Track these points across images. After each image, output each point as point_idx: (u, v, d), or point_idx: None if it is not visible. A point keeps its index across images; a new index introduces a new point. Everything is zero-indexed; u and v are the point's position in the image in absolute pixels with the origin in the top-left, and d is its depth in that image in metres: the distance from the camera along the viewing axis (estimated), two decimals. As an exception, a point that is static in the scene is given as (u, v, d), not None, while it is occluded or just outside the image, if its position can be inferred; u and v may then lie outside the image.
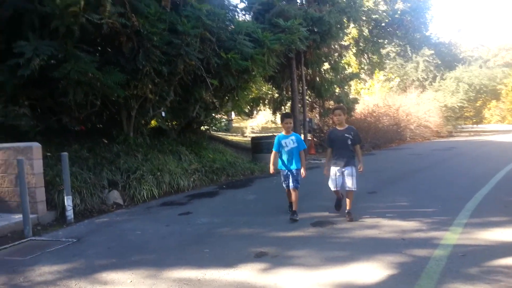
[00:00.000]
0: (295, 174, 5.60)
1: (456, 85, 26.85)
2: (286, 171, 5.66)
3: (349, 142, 5.39)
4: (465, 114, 29.03)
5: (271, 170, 5.75)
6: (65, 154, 6.12)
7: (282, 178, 5.77)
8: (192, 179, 8.61)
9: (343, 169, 5.40)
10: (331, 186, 5.56)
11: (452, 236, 4.47)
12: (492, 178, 8.12)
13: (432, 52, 28.58)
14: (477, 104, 29.31)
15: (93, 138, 9.01)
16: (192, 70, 8.91)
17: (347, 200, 5.46)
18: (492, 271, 3.46)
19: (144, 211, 6.60)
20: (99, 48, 8.65)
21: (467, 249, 4.02)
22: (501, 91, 30.21)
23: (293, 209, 5.58)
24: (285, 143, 5.61)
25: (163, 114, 9.71)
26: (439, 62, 28.81)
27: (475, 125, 31.64)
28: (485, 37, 69.73)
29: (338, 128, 5.55)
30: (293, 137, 5.63)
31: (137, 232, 5.28)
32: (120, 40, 7.72)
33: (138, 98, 8.72)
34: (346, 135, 5.41)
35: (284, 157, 5.65)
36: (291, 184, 5.61)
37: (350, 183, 5.39)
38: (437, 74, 28.28)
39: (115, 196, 7.06)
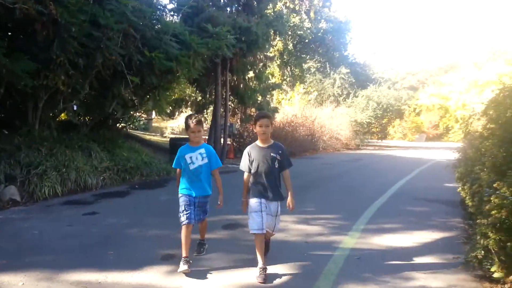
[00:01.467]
0: (202, 203, 3.97)
1: (366, 103, 29.08)
2: (189, 197, 3.92)
3: (277, 166, 3.81)
4: (372, 129, 31.55)
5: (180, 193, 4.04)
6: (-47, 143, 5.47)
7: (181, 206, 3.91)
8: (102, 178, 8.20)
9: (269, 204, 3.82)
10: (255, 226, 3.72)
11: (350, 241, 4.83)
12: (391, 188, 8.93)
13: (348, 71, 30.71)
14: (383, 121, 31.99)
15: (-9, 128, 8.16)
16: (112, 65, 8.53)
17: (262, 248, 3.77)
18: (382, 273, 3.81)
19: (44, 210, 6.12)
20: (10, 33, 7.90)
21: (362, 253, 4.37)
22: (404, 111, 33.37)
23: (201, 237, 4.30)
24: (190, 158, 3.95)
25: (75, 107, 9.13)
26: (353, 81, 30.99)
27: (380, 140, 34.48)
28: (395, 61, 76.83)
29: (261, 144, 3.90)
30: (202, 150, 3.97)
31: (34, 232, 4.89)
32: (34, 27, 7.15)
33: (48, 89, 8.12)
34: (272, 154, 3.81)
35: (188, 178, 3.95)
36: (194, 217, 3.91)
37: (272, 225, 3.90)
38: (351, 92, 30.41)
39: (11, 192, 6.45)
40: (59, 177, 7.22)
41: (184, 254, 3.76)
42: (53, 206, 6.37)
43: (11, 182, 6.64)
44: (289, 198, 3.90)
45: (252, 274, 3.68)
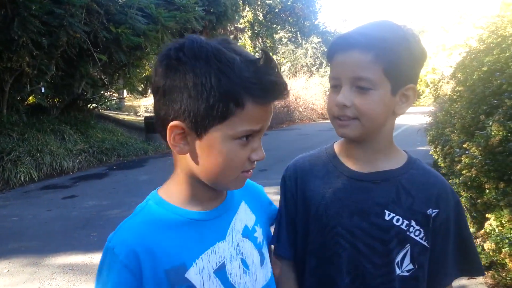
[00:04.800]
0: None
1: (340, 72, 29.25)
2: None
3: (409, 269, 0.87)
4: (347, 98, 31.93)
5: None
6: None
7: None
8: (77, 160, 8.06)
9: None
10: None
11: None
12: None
13: (320, 40, 30.65)
14: (357, 90, 32.41)
15: (-45, 116, 7.83)
16: (77, 43, 8.23)
17: None
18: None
19: (22, 196, 6.01)
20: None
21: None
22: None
23: None
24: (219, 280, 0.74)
25: (43, 89, 8.82)
26: (325, 49, 30.97)
27: (354, 109, 34.96)
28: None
29: (350, 163, 0.94)
30: (252, 223, 0.85)
31: (14, 219, 4.81)
32: (-10, 6, 6.80)
33: (13, 72, 7.81)
34: (399, 219, 0.86)
35: None
36: None
37: None
38: (323, 61, 30.47)
39: (-15, 180, 6.29)
40: (33, 162, 7.06)
41: None
42: (30, 192, 6.26)
43: (-17, 170, 6.46)
44: None
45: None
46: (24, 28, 7.08)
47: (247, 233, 0.81)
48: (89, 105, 11.77)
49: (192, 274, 0.72)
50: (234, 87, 0.66)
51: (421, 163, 0.95)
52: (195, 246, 0.73)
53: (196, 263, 0.72)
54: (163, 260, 0.71)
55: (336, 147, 1.01)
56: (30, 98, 9.74)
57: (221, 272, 0.74)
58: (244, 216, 0.83)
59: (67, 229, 4.39)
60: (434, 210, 0.87)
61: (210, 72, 0.66)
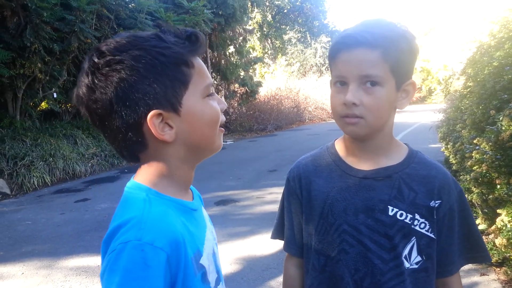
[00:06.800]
0: None
1: (349, 71, 29.11)
2: None
3: (415, 261, 0.89)
4: (357, 97, 31.74)
5: None
6: None
7: None
8: (90, 164, 8.17)
9: None
10: None
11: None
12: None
13: (329, 39, 30.54)
14: (367, 88, 32.19)
15: (-30, 122, 8.01)
16: (88, 48, 8.38)
17: None
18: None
19: (35, 200, 6.11)
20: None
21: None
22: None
23: None
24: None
25: (55, 95, 8.98)
26: (335, 49, 30.88)
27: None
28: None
29: (348, 159, 0.96)
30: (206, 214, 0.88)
31: (28, 222, 4.90)
32: (3, 14, 6.95)
33: (26, 78, 7.98)
34: (398, 212, 0.88)
35: None
36: None
37: None
38: (333, 60, 30.36)
39: (0, 185, 6.41)
40: (46, 166, 7.18)
41: None
42: (43, 196, 6.36)
43: (-2, 176, 6.59)
44: None
45: (246, 245, 3.79)
46: (36, 35, 7.25)
47: (210, 220, 0.89)
48: (100, 110, 11.95)
49: (204, 259, 0.76)
50: (178, 53, 0.71)
51: (422, 155, 0.96)
52: (199, 233, 0.78)
53: (204, 249, 0.78)
54: (189, 247, 0.72)
55: (338, 145, 1.01)
56: (43, 103, 9.91)
57: (214, 255, 0.82)
58: (201, 205, 0.89)
59: (80, 231, 4.44)
60: (436, 202, 0.90)
61: (151, 53, 0.69)
